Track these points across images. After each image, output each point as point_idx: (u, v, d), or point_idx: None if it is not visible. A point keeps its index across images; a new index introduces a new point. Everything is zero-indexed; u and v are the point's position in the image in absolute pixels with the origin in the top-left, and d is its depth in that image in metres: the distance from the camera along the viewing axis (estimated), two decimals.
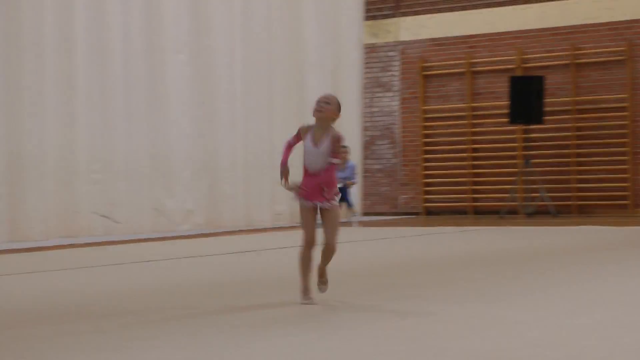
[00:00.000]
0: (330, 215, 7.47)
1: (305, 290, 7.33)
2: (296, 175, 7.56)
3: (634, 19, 20.74)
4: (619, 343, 5.52)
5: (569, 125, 21.04)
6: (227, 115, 19.32)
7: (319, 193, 7.45)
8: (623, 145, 20.38)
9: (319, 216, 7.51)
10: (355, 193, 20.83)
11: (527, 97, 20.29)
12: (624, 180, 20.40)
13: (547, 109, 20.55)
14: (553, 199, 20.77)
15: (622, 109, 20.38)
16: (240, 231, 18.70)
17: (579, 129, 20.98)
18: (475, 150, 22.04)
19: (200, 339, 5.94)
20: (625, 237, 14.84)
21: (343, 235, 8.53)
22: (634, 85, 20.42)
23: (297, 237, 8.21)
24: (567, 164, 21.08)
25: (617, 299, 7.80)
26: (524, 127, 20.97)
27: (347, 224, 19.23)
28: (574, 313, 6.85)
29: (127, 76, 17.58)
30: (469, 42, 22.40)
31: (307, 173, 7.51)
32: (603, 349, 5.34)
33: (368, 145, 23.10)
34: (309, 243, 7.40)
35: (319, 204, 7.49)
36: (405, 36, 23.06)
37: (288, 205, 20.19)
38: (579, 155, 21.05)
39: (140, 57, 17.80)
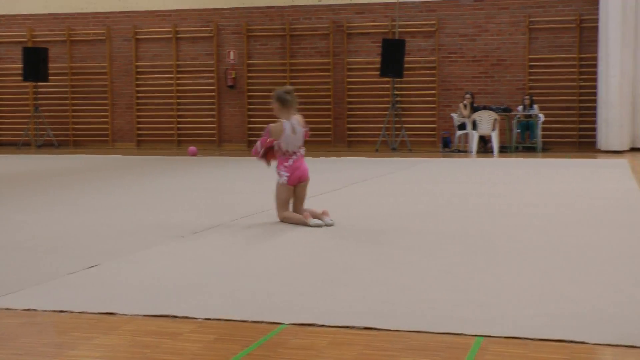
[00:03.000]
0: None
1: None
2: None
3: (112, 11, 22.70)
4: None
5: (67, 83, 23.06)
6: None
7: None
8: (105, 98, 22.84)
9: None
10: None
11: (35, 62, 21.69)
12: (105, 122, 22.79)
13: (51, 71, 22.44)
14: (56, 135, 22.87)
15: (104, 73, 22.90)
16: None
17: (73, 86, 23.07)
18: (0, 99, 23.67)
19: None
20: (105, 162, 16.69)
21: None
22: (112, 57, 22.84)
23: None
24: (66, 110, 23.11)
25: (102, 205, 10.45)
26: (34, 83, 22.61)
27: None
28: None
29: None
30: None
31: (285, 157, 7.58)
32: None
33: None
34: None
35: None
36: None
37: None
38: (74, 105, 23.05)
39: None
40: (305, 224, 7.36)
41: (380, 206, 8.91)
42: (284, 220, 7.61)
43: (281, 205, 7.68)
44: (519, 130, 20.15)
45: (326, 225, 7.36)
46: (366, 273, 5.32)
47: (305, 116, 8.13)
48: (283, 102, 7.59)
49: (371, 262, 5.68)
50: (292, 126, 7.65)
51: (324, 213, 7.50)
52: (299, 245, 6.44)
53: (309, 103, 21.65)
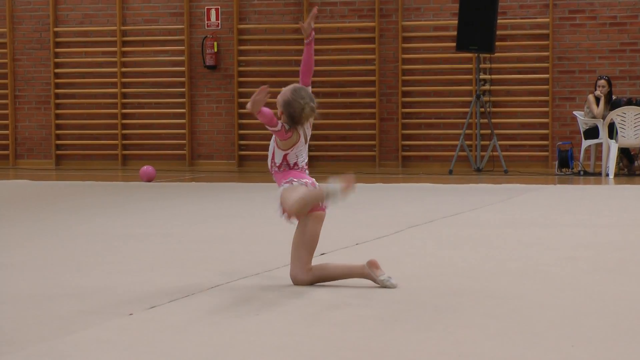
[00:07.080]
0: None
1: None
2: None
3: None
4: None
5: None
6: None
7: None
8: (4, 87, 23.23)
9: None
10: None
11: None
12: (3, 127, 23.27)
13: None
14: None
15: (2, 44, 23.28)
16: None
17: None
18: None
19: None
20: (4, 192, 17.07)
21: None
22: (15, 18, 23.24)
23: None
24: None
25: None
26: None
27: None
28: None
29: None
30: None
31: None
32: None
33: None
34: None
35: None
36: None
37: None
38: None
39: None
40: (371, 279, 7.45)
41: (455, 264, 8.88)
42: (316, 278, 7.57)
43: (309, 245, 7.59)
44: None
45: (385, 286, 7.43)
46: None
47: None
48: (293, 112, 7.56)
49: None
50: (305, 134, 7.78)
51: (373, 265, 7.50)
52: (328, 326, 6.39)
53: (339, 95, 21.62)
